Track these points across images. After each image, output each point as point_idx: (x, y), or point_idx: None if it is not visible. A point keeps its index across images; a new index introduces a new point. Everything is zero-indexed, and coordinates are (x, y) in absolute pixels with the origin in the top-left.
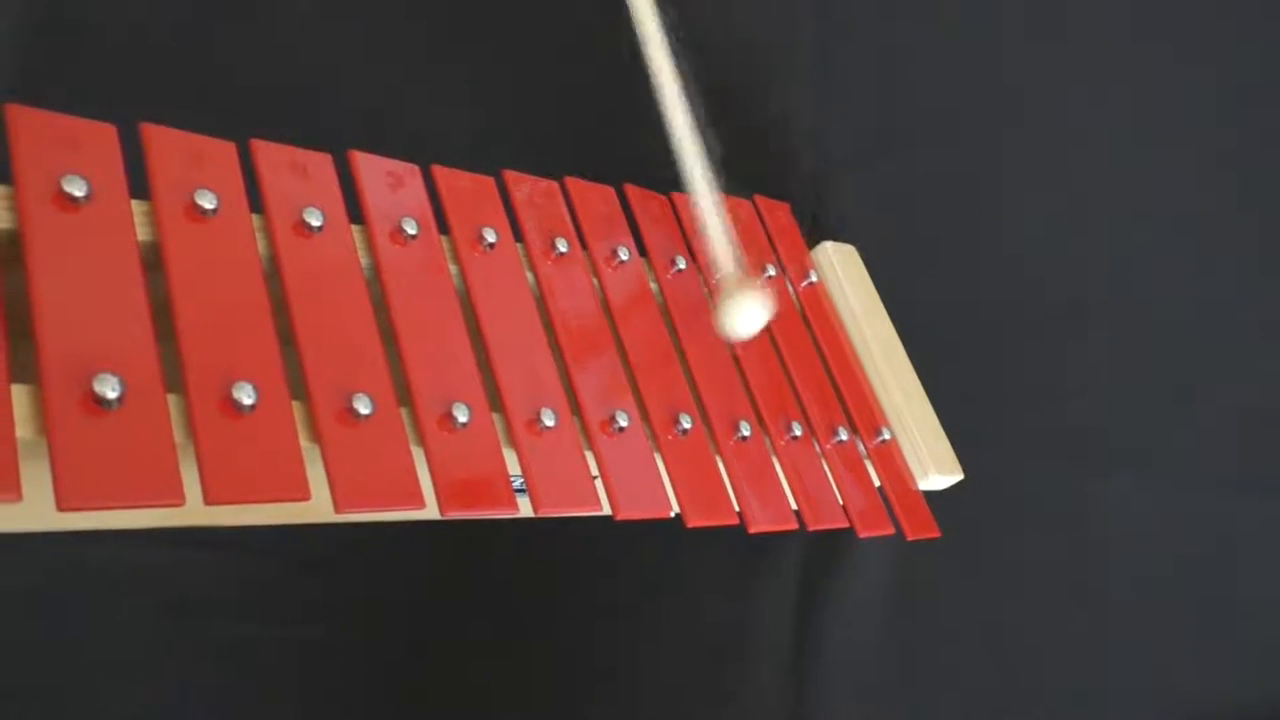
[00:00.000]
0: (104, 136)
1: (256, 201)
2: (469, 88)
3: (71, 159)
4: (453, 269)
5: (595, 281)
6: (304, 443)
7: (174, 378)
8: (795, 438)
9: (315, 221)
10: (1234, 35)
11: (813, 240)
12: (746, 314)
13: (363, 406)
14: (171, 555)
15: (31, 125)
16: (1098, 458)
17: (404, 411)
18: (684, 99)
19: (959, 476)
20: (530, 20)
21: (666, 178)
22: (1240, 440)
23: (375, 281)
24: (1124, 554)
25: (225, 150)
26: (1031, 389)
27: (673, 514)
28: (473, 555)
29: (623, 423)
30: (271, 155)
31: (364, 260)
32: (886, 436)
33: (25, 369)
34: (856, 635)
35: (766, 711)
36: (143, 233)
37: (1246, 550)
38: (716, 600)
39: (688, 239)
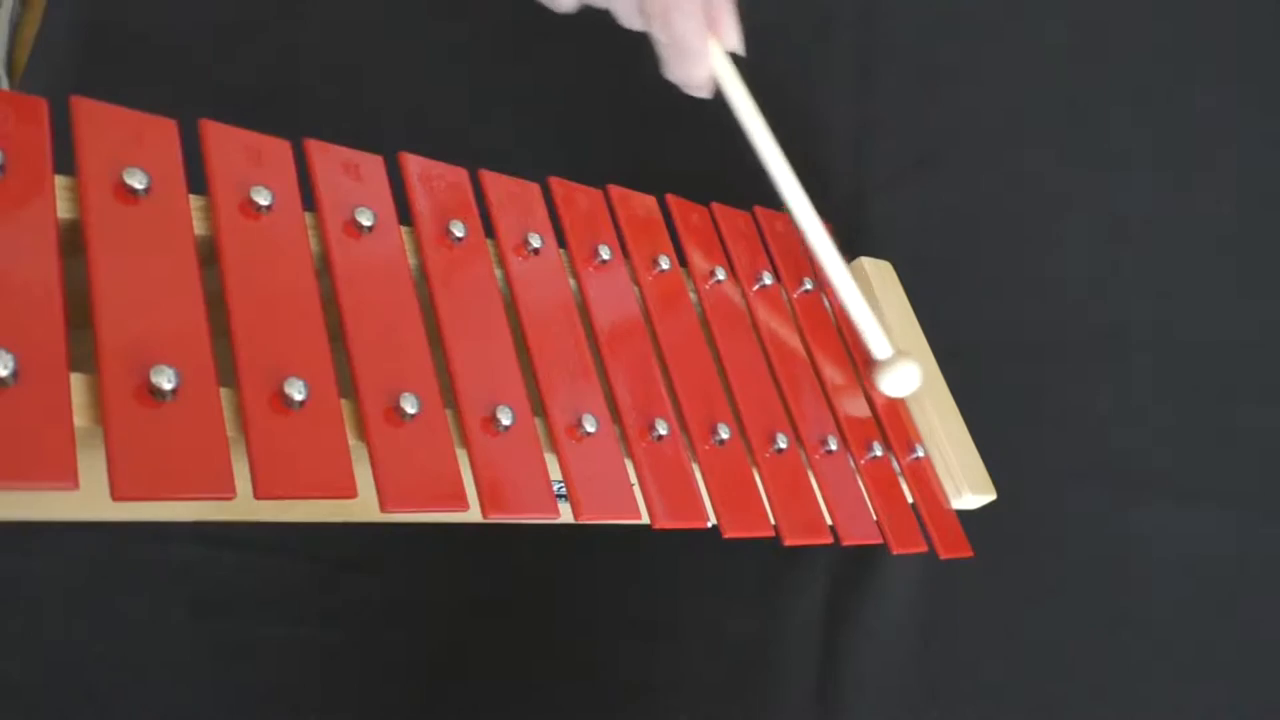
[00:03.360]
0: (164, 131)
1: (309, 200)
2: (517, 93)
3: (133, 152)
4: (497, 273)
5: (636, 289)
6: (351, 440)
7: (226, 372)
8: (830, 452)
9: (366, 221)
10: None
11: (848, 253)
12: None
13: (409, 406)
14: (205, 554)
15: (95, 118)
16: (1135, 483)
17: (449, 413)
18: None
19: (992, 496)
20: (579, 28)
21: (706, 189)
22: (1276, 468)
23: (422, 282)
24: (1160, 582)
25: (280, 148)
26: (1069, 412)
27: (709, 525)
28: (499, 563)
29: (662, 431)
30: (325, 155)
31: (412, 261)
32: (920, 454)
33: (83, 358)
34: (884, 657)
35: None
36: (199, 227)
37: None
38: (741, 616)
39: (727, 250)
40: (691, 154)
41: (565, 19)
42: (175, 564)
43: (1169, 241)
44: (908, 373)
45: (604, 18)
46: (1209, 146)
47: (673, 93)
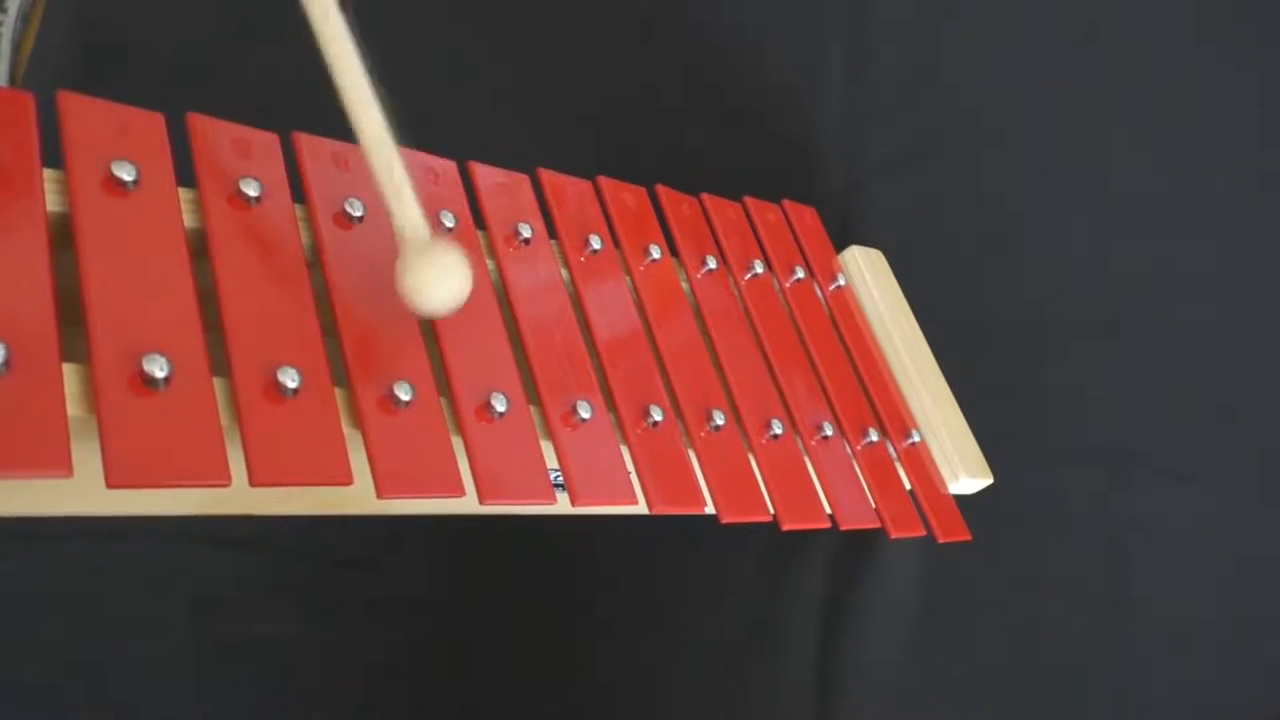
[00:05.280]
0: (152, 124)
1: (299, 192)
2: (506, 86)
3: (121, 145)
4: (489, 263)
5: (628, 279)
6: (346, 428)
7: (219, 363)
8: (826, 438)
9: (356, 212)
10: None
11: (840, 244)
12: (440, 280)
13: (404, 394)
14: (206, 554)
15: (82, 112)
16: (1133, 467)
17: (443, 401)
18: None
19: (989, 480)
20: (567, 21)
21: (697, 180)
22: (1273, 451)
23: None
24: (1158, 564)
25: (269, 141)
26: (1063, 397)
27: (707, 510)
28: (496, 557)
29: (657, 417)
30: (314, 147)
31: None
32: (916, 439)
33: (76, 351)
34: (884, 642)
35: None
36: (188, 219)
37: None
38: (741, 606)
39: (719, 240)
40: (682, 147)
41: (555, 14)
42: (176, 564)
43: (1164, 224)
44: (439, 266)
45: (596, 18)
46: (1204, 133)
47: (662, 84)
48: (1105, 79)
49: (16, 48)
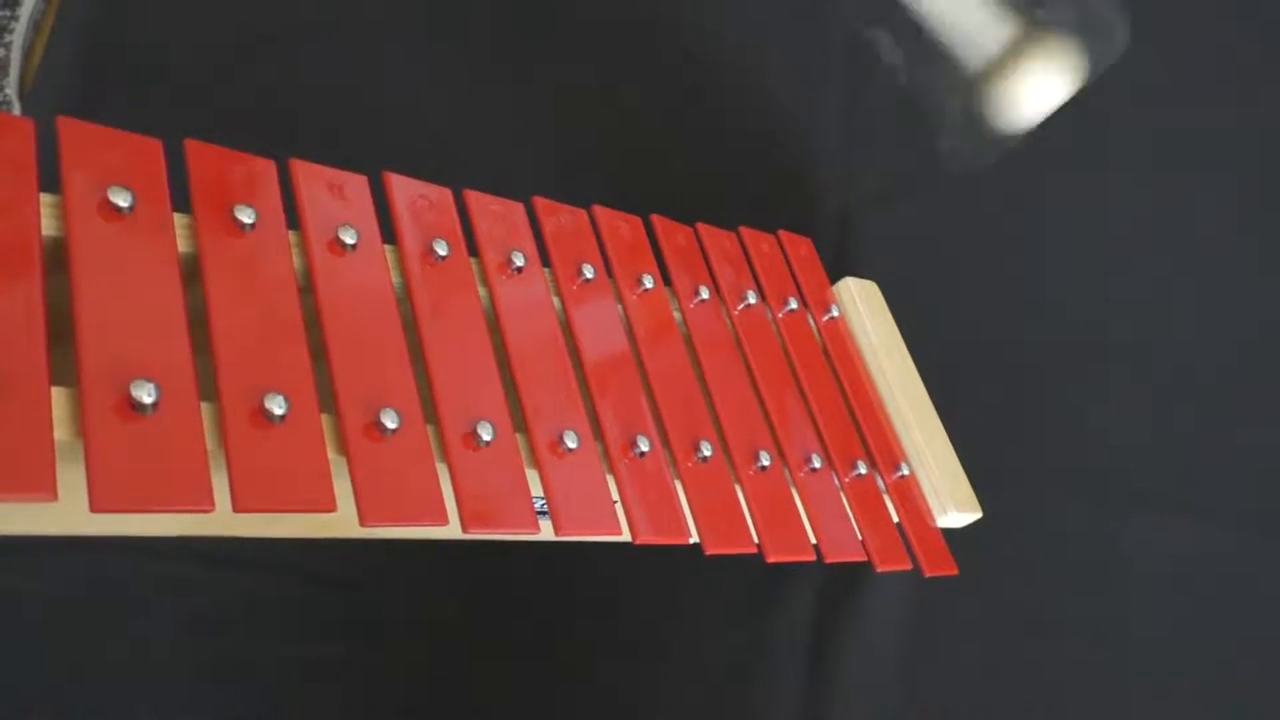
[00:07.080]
0: (149, 150)
1: (293, 219)
2: (503, 115)
3: (117, 171)
4: (481, 291)
5: (619, 308)
6: (331, 455)
7: (207, 388)
8: (814, 469)
9: (350, 240)
10: (1273, 77)
11: (836, 272)
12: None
13: (390, 421)
14: (195, 572)
15: (81, 137)
16: (1120, 498)
17: (429, 429)
18: None
19: (977, 515)
20: (565, 49)
21: (694, 206)
22: (1265, 483)
23: (405, 300)
24: (1145, 595)
25: (265, 168)
26: (1052, 428)
27: (692, 541)
28: (486, 580)
29: (644, 448)
30: (309, 175)
31: (395, 279)
32: (905, 472)
33: (65, 373)
34: (871, 674)
35: None
36: (183, 244)
37: (1270, 592)
38: (729, 635)
39: (712, 270)
40: (680, 174)
41: (558, 45)
42: (173, 582)
43: (1162, 255)
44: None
45: (594, 45)
46: (1193, 161)
47: (660, 116)
48: (1105, 107)
49: (26, 55)
